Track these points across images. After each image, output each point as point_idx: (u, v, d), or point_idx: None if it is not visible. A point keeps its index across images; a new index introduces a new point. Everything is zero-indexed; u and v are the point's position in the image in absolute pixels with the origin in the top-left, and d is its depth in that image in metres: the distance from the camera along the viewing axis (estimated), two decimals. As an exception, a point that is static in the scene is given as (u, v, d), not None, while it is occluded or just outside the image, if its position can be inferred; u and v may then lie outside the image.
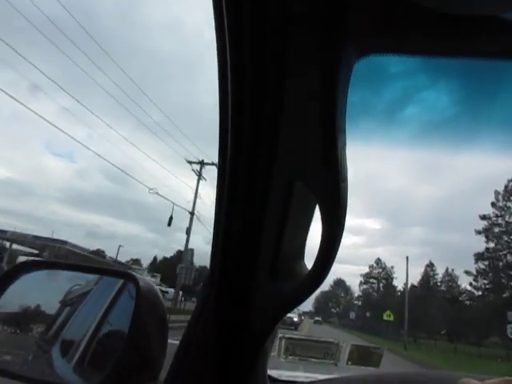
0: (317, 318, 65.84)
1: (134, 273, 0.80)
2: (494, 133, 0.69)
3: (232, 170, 0.68)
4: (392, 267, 69.55)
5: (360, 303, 76.12)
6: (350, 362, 1.58)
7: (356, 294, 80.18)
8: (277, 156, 0.66)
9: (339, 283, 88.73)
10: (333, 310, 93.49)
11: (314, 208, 0.71)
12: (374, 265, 72.77)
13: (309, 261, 0.72)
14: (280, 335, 1.22)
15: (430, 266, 59.68)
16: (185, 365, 0.74)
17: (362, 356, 1.59)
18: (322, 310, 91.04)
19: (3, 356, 0.88)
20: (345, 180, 0.60)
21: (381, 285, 71.70)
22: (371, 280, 73.27)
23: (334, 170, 0.59)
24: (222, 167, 0.69)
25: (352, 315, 59.53)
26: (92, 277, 0.92)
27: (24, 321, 0.91)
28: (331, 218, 0.61)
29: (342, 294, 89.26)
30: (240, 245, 0.73)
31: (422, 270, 60.23)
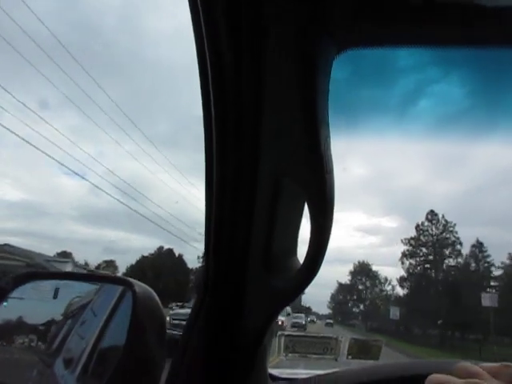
0: (328, 321, 56.80)
1: (130, 279, 0.80)
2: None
3: (219, 170, 0.68)
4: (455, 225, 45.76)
5: (405, 291, 50.43)
6: (349, 356, 1.59)
7: (393, 281, 61.68)
8: (262, 153, 0.67)
9: (362, 269, 70.02)
10: (355, 309, 74.92)
11: (304, 203, 0.72)
12: (426, 222, 47.18)
13: (302, 257, 0.72)
14: (279, 333, 1.23)
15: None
16: (183, 367, 0.74)
17: (361, 349, 1.60)
18: (341, 310, 75.88)
19: (8, 372, 0.87)
20: (330, 172, 0.61)
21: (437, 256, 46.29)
22: (421, 249, 47.65)
23: (319, 162, 0.59)
24: (208, 169, 0.69)
25: (395, 313, 38.61)
26: (88, 285, 0.92)
27: (22, 334, 0.91)
28: (319, 211, 0.62)
29: (368, 283, 69.97)
30: (231, 244, 0.74)
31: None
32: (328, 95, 0.59)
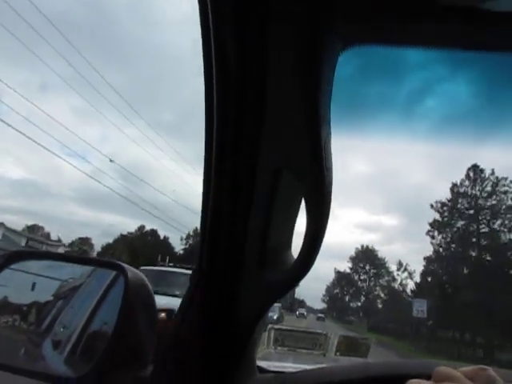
0: (320, 315, 55.56)
1: (123, 264, 0.80)
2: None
3: (218, 160, 0.68)
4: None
5: (431, 279, 36.43)
6: (338, 353, 1.60)
7: (411, 265, 52.22)
8: (261, 146, 0.66)
9: (365, 256, 61.00)
10: (353, 303, 65.86)
11: (301, 198, 0.72)
12: (466, 182, 34.59)
13: (297, 251, 0.72)
14: (269, 326, 1.24)
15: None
16: (172, 355, 0.74)
17: (350, 347, 1.62)
18: (337, 305, 67.60)
19: None
20: (329, 168, 0.60)
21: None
22: (457, 219, 34.08)
23: (318, 159, 0.59)
24: (208, 159, 0.69)
25: (419, 308, 28.99)
26: (78, 268, 0.92)
27: (13, 312, 0.91)
28: (315, 206, 0.62)
29: (371, 272, 60.33)
30: (227, 235, 0.73)
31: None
32: (331, 91, 0.59)
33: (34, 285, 0.93)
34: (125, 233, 58.09)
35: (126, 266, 0.80)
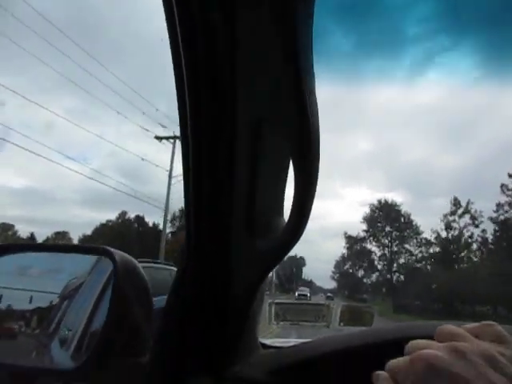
0: (329, 295, 49.21)
1: (110, 248, 0.77)
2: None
3: (194, 118, 0.63)
4: None
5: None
6: (342, 323, 1.60)
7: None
8: (240, 103, 0.62)
9: (383, 212, 48.02)
10: (366, 279, 54.10)
11: (289, 160, 0.68)
12: None
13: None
14: (269, 301, 1.22)
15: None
16: (168, 338, 0.72)
17: (353, 316, 1.61)
18: (348, 281, 57.11)
19: (7, 352, 0.88)
20: (316, 126, 0.56)
21: None
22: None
23: (303, 115, 0.55)
24: (183, 124, 0.64)
25: None
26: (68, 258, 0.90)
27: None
28: (303, 164, 0.58)
29: (394, 234, 47.81)
30: (212, 204, 0.70)
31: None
32: (312, 37, 0.54)
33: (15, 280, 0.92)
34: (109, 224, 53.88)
35: (113, 250, 0.78)
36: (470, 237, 41.25)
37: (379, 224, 50.20)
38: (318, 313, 1.35)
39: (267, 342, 0.99)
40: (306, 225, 0.62)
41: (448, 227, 42.17)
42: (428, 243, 45.15)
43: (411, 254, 47.01)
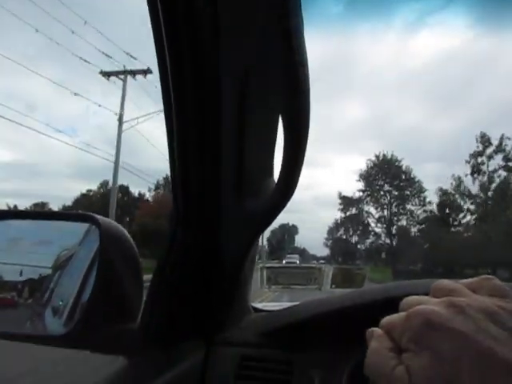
0: (321, 261, 46.28)
1: (95, 214, 0.75)
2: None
3: (176, 75, 0.59)
4: None
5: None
6: (333, 286, 1.62)
7: None
8: (223, 46, 0.58)
9: (382, 169, 42.13)
10: (360, 245, 50.26)
11: (278, 118, 0.65)
12: None
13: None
14: (261, 265, 1.22)
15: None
16: (158, 303, 0.71)
17: (345, 278, 1.63)
18: (342, 248, 53.50)
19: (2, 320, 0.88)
20: (306, 79, 0.52)
21: None
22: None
23: (289, 53, 0.50)
24: (164, 76, 0.60)
25: None
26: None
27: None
28: (292, 121, 0.55)
29: (395, 192, 42.34)
30: (199, 167, 0.67)
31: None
32: None
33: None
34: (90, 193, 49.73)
35: (99, 217, 0.76)
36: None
37: (377, 182, 43.26)
38: (310, 276, 1.36)
39: (259, 305, 0.99)
40: (296, 185, 0.60)
41: (476, 171, 33.48)
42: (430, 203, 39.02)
43: (412, 214, 41.17)
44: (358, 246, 51.62)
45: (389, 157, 42.47)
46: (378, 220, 44.82)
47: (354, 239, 52.03)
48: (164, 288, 0.71)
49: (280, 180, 0.61)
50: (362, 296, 0.74)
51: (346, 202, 46.80)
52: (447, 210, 37.27)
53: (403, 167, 42.43)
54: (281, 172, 0.59)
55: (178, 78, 0.59)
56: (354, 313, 0.71)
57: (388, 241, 44.38)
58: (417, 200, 41.40)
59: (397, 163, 42.30)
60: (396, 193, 42.87)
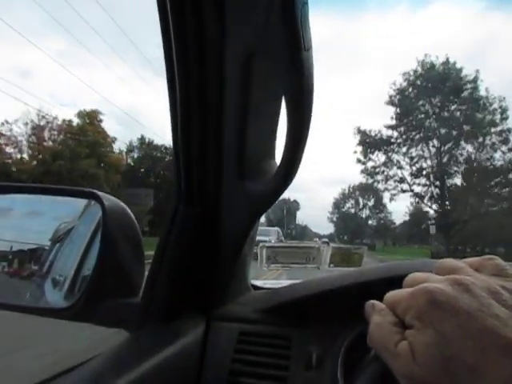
0: (324, 240, 41.65)
1: (96, 190, 0.76)
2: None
3: (181, 58, 0.59)
4: None
5: None
6: (332, 265, 1.64)
7: None
8: (227, 28, 0.58)
9: (426, 77, 25.97)
10: (372, 220, 41.98)
11: (281, 99, 0.65)
12: None
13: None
14: (260, 244, 1.23)
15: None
16: (159, 279, 0.72)
17: (343, 257, 1.64)
18: (348, 224, 46.44)
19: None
20: (309, 59, 0.52)
21: None
22: None
23: (294, 38, 0.50)
24: (169, 59, 0.60)
25: None
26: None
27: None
28: (296, 105, 0.55)
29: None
30: (202, 146, 0.68)
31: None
32: None
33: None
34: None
35: (101, 193, 0.76)
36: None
37: (420, 106, 26.46)
38: (309, 255, 1.37)
39: (258, 283, 1.01)
40: (298, 168, 0.60)
41: None
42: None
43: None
44: (370, 222, 43.69)
45: (438, 63, 24.53)
46: (416, 173, 28.30)
47: (365, 213, 44.18)
48: (166, 264, 0.72)
49: (282, 162, 0.61)
50: (361, 275, 0.75)
51: (368, 141, 29.63)
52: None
53: (465, 79, 25.43)
54: (283, 154, 0.60)
55: (183, 59, 0.60)
56: (353, 291, 0.72)
57: (435, 207, 28.75)
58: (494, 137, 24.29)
59: (453, 70, 25.18)
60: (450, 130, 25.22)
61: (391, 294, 0.40)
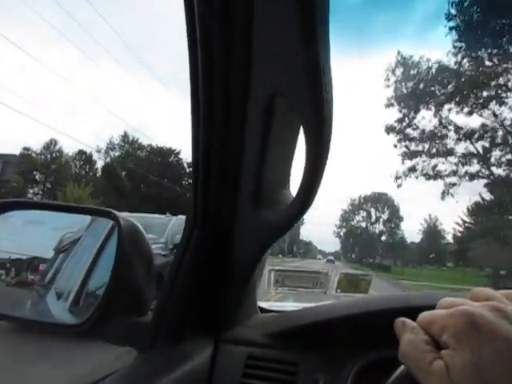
0: (329, 258, 41.66)
1: (113, 210, 0.78)
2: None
3: (205, 90, 0.63)
4: None
5: None
6: (339, 290, 1.64)
7: None
8: (253, 71, 0.61)
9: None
10: (384, 237, 36.44)
11: (299, 129, 0.68)
12: None
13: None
14: (269, 267, 1.25)
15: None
16: (171, 299, 0.74)
17: (350, 284, 1.65)
18: (358, 241, 42.04)
19: (3, 301, 0.89)
20: (330, 95, 0.55)
21: None
22: None
23: (317, 83, 0.53)
24: (194, 91, 0.64)
25: None
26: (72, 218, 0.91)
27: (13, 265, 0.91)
28: (315, 138, 0.58)
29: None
30: (220, 173, 0.70)
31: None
32: (328, 8, 0.52)
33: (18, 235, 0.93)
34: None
35: (118, 213, 0.79)
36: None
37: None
38: (316, 280, 1.39)
39: (265, 305, 1.01)
40: (313, 200, 0.62)
41: None
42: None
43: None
44: (382, 238, 37.52)
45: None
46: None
47: (378, 228, 37.89)
48: (178, 286, 0.74)
49: (299, 194, 0.63)
50: (367, 305, 0.76)
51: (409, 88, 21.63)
52: None
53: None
54: (300, 186, 0.61)
55: (208, 93, 0.63)
56: (359, 320, 0.73)
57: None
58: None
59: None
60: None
61: (427, 313, 0.40)
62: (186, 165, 41.52)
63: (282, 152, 0.72)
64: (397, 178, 25.34)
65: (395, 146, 23.89)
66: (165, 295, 0.74)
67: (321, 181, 0.61)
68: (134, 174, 37.66)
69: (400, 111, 22.54)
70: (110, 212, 0.79)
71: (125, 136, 41.27)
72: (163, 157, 41.43)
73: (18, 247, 0.91)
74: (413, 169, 24.25)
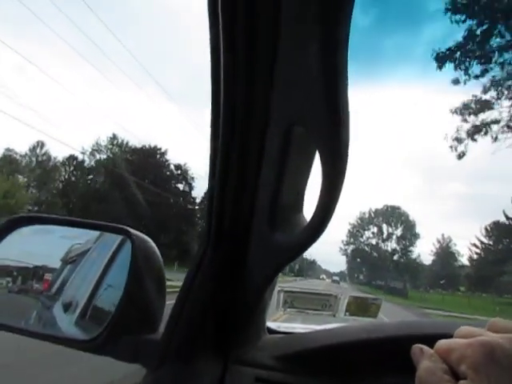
0: (335, 278, 39.45)
1: (129, 228, 0.79)
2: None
3: (226, 117, 0.64)
4: None
5: None
6: (347, 313, 1.63)
7: None
8: (273, 100, 0.63)
9: None
10: (396, 257, 34.27)
11: (314, 157, 0.69)
12: None
13: (309, 214, 0.69)
14: (279, 288, 1.24)
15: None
16: (182, 318, 0.74)
17: (360, 307, 1.63)
18: (366, 259, 38.44)
19: (8, 312, 0.89)
20: (346, 125, 0.56)
21: None
22: None
23: (335, 113, 0.55)
24: (215, 115, 0.65)
25: None
26: (85, 232, 0.91)
27: (21, 275, 0.92)
28: (331, 167, 0.58)
29: None
30: (236, 196, 0.71)
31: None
32: (348, 41, 0.54)
33: (36, 248, 0.94)
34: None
35: (132, 231, 0.80)
36: None
37: None
38: (325, 302, 1.38)
39: (273, 326, 1.01)
40: (328, 224, 0.62)
41: None
42: None
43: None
44: (394, 258, 33.71)
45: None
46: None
47: (391, 246, 33.92)
48: (189, 305, 0.74)
49: (313, 220, 0.63)
50: (380, 330, 0.75)
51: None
52: None
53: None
54: (315, 212, 0.62)
55: (228, 119, 0.65)
56: (373, 345, 0.72)
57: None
58: None
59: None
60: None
61: (445, 341, 0.39)
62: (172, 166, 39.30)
63: (298, 176, 0.73)
64: (457, 140, 17.55)
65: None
66: (176, 314, 0.74)
67: (336, 205, 0.61)
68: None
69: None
70: (125, 229, 0.80)
71: (114, 138, 38.61)
72: (145, 156, 38.19)
73: (26, 256, 0.92)
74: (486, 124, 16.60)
